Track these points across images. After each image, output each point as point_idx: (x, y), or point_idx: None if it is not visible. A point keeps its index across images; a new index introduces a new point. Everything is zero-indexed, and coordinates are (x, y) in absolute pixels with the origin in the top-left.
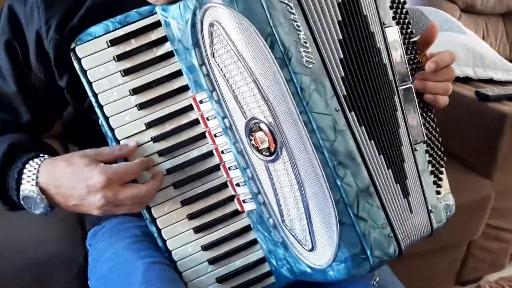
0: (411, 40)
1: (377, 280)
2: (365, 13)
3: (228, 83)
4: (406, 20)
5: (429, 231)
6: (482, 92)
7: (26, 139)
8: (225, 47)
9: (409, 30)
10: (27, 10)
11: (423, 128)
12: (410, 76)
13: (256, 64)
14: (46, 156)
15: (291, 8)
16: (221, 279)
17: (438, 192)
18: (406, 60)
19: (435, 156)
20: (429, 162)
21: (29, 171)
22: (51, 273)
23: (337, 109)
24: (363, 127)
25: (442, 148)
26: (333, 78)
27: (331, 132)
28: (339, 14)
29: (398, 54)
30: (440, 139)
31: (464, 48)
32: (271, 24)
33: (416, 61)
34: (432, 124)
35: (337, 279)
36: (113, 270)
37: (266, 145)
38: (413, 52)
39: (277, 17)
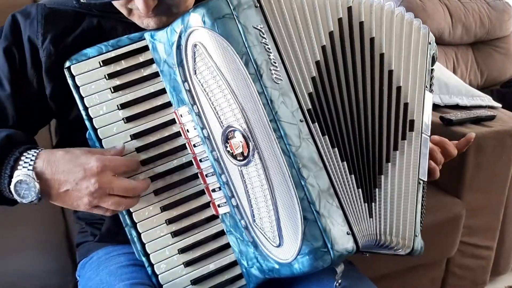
0: None
1: (339, 282)
2: (383, 51)
3: (208, 96)
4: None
5: (410, 247)
6: (446, 117)
7: (21, 133)
8: (206, 65)
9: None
10: (27, 22)
11: (426, 174)
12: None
13: (233, 78)
14: (43, 148)
15: (263, 33)
16: (195, 281)
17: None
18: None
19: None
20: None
21: (27, 157)
22: None
23: (301, 120)
24: (326, 137)
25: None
26: (298, 94)
27: (297, 139)
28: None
29: (427, 113)
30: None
31: None
32: (246, 45)
33: None
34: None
35: (302, 272)
36: None
37: (240, 150)
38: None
39: (251, 40)
